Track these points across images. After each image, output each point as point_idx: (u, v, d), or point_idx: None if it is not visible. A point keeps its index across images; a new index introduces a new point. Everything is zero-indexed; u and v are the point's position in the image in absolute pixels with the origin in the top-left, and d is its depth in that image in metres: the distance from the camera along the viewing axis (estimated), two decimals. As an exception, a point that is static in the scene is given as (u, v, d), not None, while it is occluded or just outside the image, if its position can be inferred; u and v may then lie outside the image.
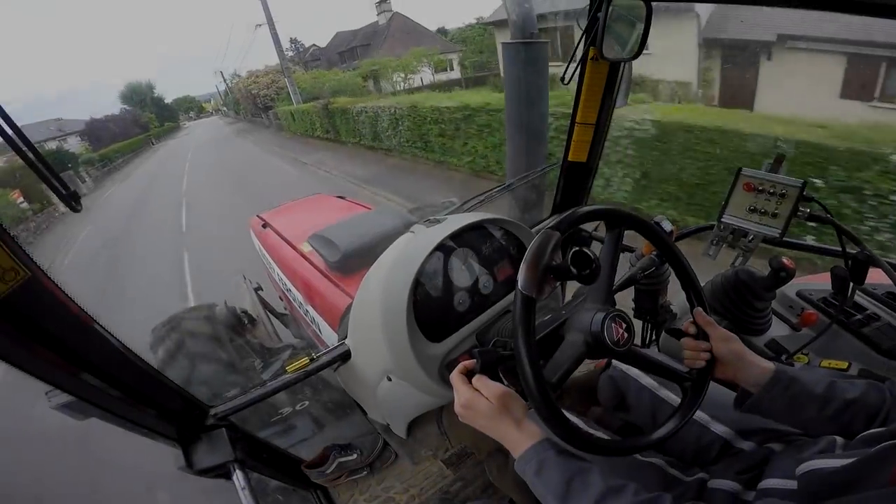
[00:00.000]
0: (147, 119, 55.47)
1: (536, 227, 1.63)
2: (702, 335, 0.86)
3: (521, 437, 0.72)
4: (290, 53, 43.87)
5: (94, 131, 42.79)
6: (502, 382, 0.79)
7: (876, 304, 1.26)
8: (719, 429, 0.99)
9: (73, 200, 0.70)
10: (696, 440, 1.00)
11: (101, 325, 0.80)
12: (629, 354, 0.81)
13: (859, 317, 1.23)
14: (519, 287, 0.71)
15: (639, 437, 0.81)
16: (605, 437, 1.02)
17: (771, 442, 0.89)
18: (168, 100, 73.11)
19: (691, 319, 0.89)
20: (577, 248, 0.80)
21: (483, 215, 1.20)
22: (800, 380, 0.79)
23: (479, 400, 0.75)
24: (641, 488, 0.66)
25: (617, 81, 1.40)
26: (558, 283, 0.81)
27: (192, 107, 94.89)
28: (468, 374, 0.79)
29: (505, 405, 0.73)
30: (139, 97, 59.21)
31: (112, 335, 0.83)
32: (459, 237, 1.15)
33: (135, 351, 0.88)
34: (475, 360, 0.78)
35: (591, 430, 1.04)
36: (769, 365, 0.81)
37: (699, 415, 1.01)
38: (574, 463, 0.69)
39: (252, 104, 31.60)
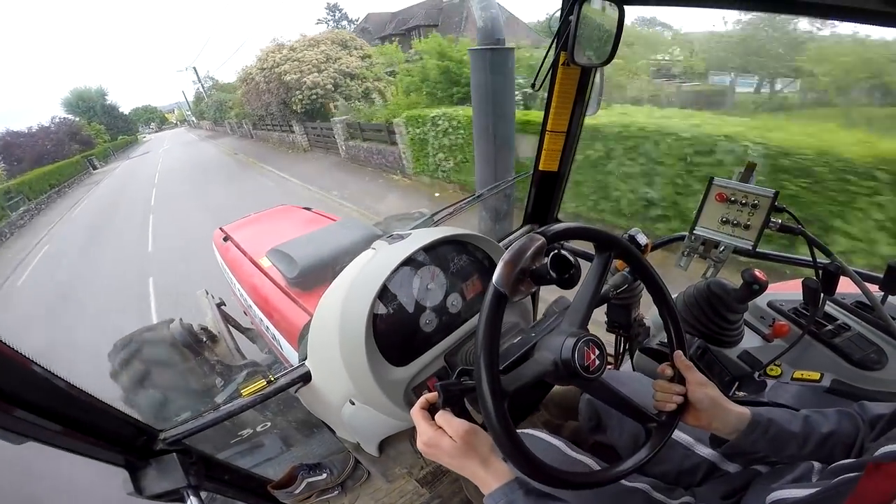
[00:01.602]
0: (92, 132, 42.52)
1: (506, 241, 1.59)
2: (678, 378, 0.82)
3: (488, 476, 0.68)
4: (326, 25, 36.63)
5: (12, 150, 30.87)
6: (468, 416, 0.73)
7: (846, 314, 1.26)
8: (705, 451, 0.97)
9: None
10: (680, 462, 0.98)
11: (36, 363, 0.75)
12: (598, 386, 0.77)
13: (830, 327, 1.23)
14: (493, 282, 0.67)
15: (600, 472, 0.79)
16: (585, 459, 1.00)
17: (757, 464, 0.87)
18: (125, 109, 64.38)
19: (667, 343, 0.86)
20: (556, 252, 0.75)
21: (448, 230, 1.14)
22: (776, 420, 0.78)
23: (442, 438, 0.70)
24: None
25: (588, 88, 1.37)
26: (532, 290, 0.76)
27: (154, 117, 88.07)
28: (431, 409, 0.74)
29: (469, 443, 0.69)
30: (87, 105, 49.36)
31: (46, 370, 0.77)
32: (425, 253, 1.09)
33: (71, 381, 0.82)
34: (437, 394, 0.72)
35: (569, 453, 1.01)
36: (745, 410, 0.79)
37: (683, 437, 0.99)
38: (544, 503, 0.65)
39: (277, 104, 15.86)
